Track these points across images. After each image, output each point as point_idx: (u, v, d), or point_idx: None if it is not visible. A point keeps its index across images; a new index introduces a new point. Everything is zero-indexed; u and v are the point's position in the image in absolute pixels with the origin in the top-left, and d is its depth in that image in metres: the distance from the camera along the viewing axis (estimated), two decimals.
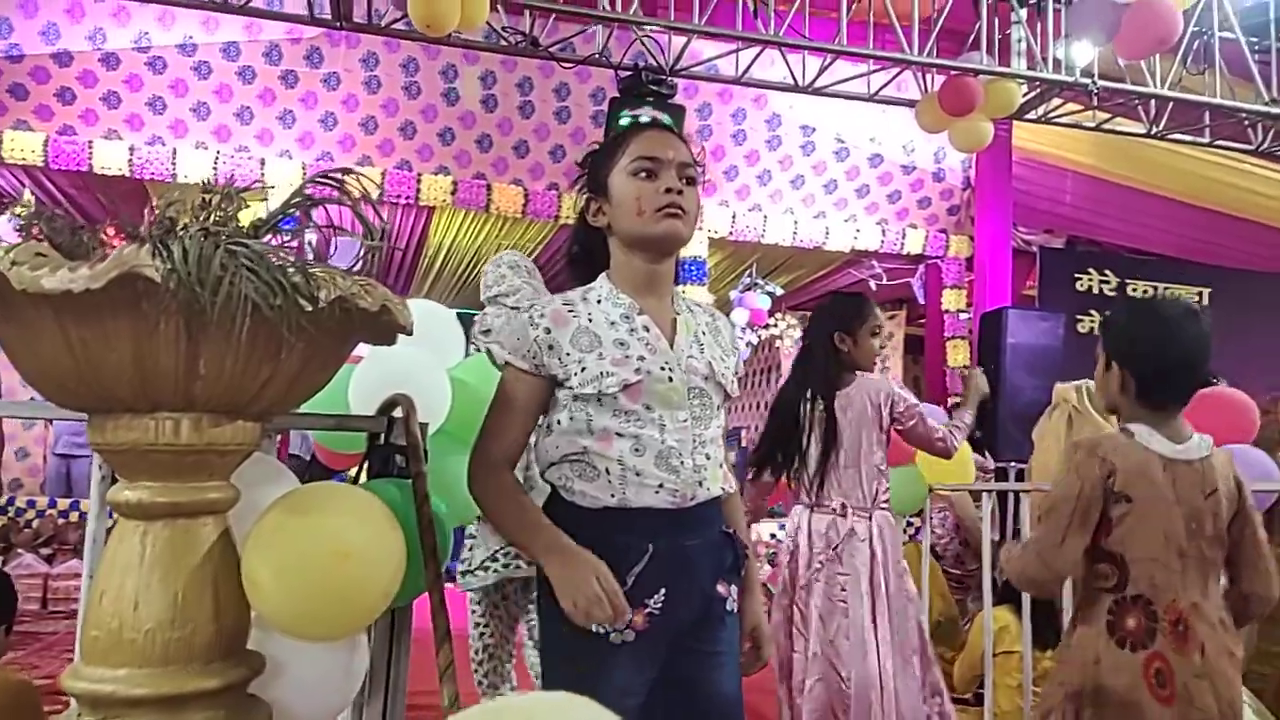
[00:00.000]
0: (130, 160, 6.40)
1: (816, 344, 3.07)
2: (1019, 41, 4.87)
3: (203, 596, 1.14)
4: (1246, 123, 5.23)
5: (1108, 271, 7.52)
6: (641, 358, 1.54)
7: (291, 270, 1.03)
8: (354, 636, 1.32)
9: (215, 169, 6.53)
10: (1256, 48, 4.89)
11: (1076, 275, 7.46)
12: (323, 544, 1.14)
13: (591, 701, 0.60)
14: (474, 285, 9.87)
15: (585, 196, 1.67)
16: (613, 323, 1.57)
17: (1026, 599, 3.27)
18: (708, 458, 1.57)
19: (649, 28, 4.63)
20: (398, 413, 1.54)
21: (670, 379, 1.54)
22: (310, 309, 1.03)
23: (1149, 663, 1.69)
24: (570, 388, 1.54)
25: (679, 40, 4.94)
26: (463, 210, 7.30)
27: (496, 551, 2.95)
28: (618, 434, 1.51)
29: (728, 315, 9.38)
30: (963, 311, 7.73)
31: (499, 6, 4.41)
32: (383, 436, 1.53)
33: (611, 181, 1.60)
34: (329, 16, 4.50)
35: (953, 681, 3.63)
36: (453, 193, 7.04)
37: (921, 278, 8.29)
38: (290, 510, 1.17)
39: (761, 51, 4.88)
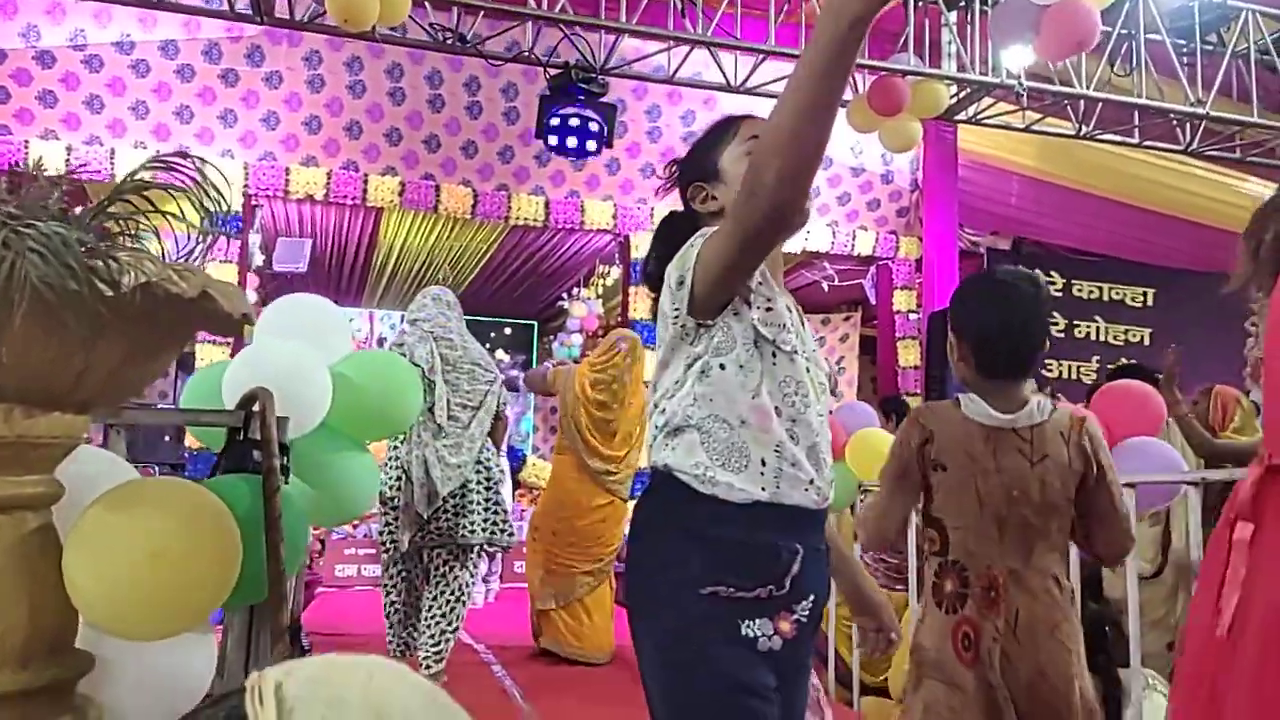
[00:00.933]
0: (68, 160, 6.29)
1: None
2: (949, 44, 4.91)
3: (17, 594, 1.10)
4: (1175, 122, 5.30)
5: (1053, 272, 7.59)
6: (797, 335, 1.38)
7: (91, 254, 0.99)
8: (195, 635, 1.28)
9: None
10: (1184, 49, 4.96)
11: None
12: (137, 542, 1.10)
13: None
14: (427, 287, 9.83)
15: (692, 185, 1.49)
16: (774, 291, 1.39)
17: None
18: (831, 458, 1.43)
19: (578, 26, 4.61)
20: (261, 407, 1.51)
21: (808, 369, 1.38)
22: (111, 294, 0.99)
23: (958, 626, 1.73)
24: (752, 309, 1.34)
25: (611, 39, 4.92)
26: (411, 211, 7.25)
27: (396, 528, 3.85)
28: (777, 410, 1.33)
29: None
30: (913, 312, 7.78)
31: (425, 3, 4.38)
32: (242, 432, 1.49)
33: (723, 164, 1.45)
34: (249, 11, 4.42)
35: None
36: (400, 193, 6.98)
37: (873, 279, 8.33)
38: (109, 507, 1.13)
39: (690, 51, 4.88)
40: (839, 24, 1.11)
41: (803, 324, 1.44)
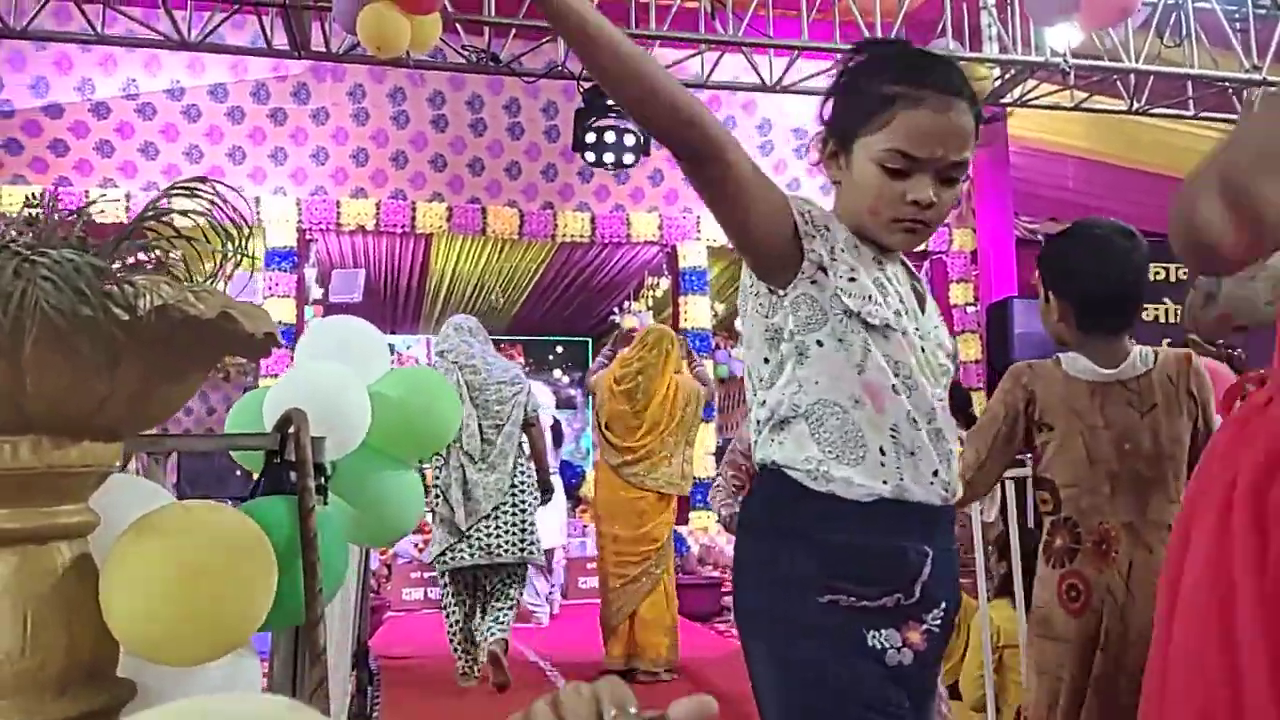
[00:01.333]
0: (127, 207, 6.48)
1: None
2: (989, 26, 4.81)
3: (54, 624, 1.10)
4: (1231, 90, 5.11)
5: None
6: (897, 312, 1.24)
7: (105, 279, 0.99)
8: (238, 659, 1.28)
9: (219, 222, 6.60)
10: (1235, 15, 4.78)
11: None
12: (171, 567, 1.10)
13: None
14: (481, 311, 9.92)
15: (825, 137, 1.33)
16: (861, 263, 1.26)
17: (1021, 594, 3.17)
18: (956, 444, 1.30)
19: None
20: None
21: (923, 349, 1.24)
22: (127, 318, 0.99)
23: (1064, 578, 1.73)
24: (832, 277, 1.22)
25: (642, 47, 4.92)
26: (460, 235, 7.33)
27: (447, 548, 4.18)
28: (893, 390, 1.20)
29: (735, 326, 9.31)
30: (970, 305, 7.62)
31: (457, 26, 4.43)
32: (279, 454, 1.49)
33: (855, 152, 1.26)
34: (287, 47, 4.51)
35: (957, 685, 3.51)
36: (448, 219, 7.07)
37: (927, 273, 8.18)
38: (143, 531, 1.13)
39: (722, 56, 4.85)
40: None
41: (919, 302, 1.31)
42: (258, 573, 1.18)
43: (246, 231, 1.33)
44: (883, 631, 1.18)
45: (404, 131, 6.82)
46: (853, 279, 1.22)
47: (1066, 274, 1.79)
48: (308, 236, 7.00)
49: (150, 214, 1.26)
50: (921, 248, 7.69)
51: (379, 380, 1.88)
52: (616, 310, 9.80)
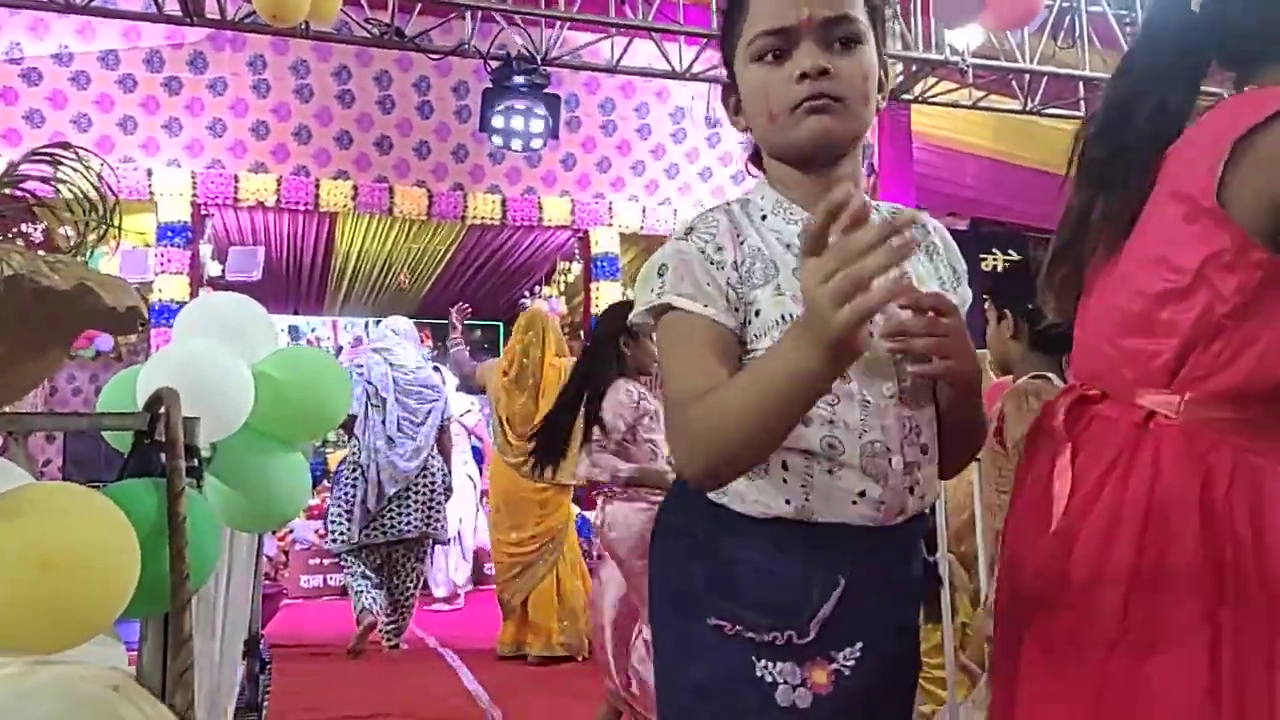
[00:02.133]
0: None
1: (603, 344, 3.19)
2: (892, 22, 4.91)
3: None
4: None
5: (1011, 251, 7.64)
6: None
7: None
8: (96, 648, 1.22)
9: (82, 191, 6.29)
10: (1125, 20, 4.99)
11: (981, 256, 7.57)
12: (22, 553, 1.04)
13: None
14: (390, 294, 9.73)
15: (724, 88, 1.20)
16: (788, 245, 1.08)
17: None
18: (923, 452, 1.09)
19: (518, 17, 4.56)
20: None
21: (870, 334, 0.90)
22: None
23: None
24: (743, 342, 1.05)
25: (552, 30, 4.88)
26: (366, 215, 7.16)
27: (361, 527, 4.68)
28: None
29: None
30: None
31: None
32: (149, 435, 1.43)
33: (737, 70, 1.13)
34: (179, 13, 4.33)
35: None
36: (354, 197, 6.90)
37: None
38: None
39: (631, 41, 4.85)
40: (794, 376, 0.87)
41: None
42: (118, 558, 1.13)
43: (111, 202, 1.27)
44: (776, 665, 1.03)
45: (308, 106, 6.61)
46: (758, 311, 1.06)
47: (1024, 294, 1.88)
48: (203, 211, 6.75)
49: (7, 180, 1.20)
50: None
51: (264, 359, 1.82)
52: (527, 295, 9.73)
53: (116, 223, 1.22)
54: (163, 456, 1.42)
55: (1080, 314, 1.17)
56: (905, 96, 5.28)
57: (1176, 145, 1.07)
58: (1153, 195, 1.07)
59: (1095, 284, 1.14)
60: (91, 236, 1.24)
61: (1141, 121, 1.10)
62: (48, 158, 1.20)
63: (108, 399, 1.71)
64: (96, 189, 1.21)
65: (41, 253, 1.14)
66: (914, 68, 5.15)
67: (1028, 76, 5.19)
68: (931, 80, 5.28)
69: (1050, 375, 1.90)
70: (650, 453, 3.05)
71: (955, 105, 5.47)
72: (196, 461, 1.47)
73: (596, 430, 3.07)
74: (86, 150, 1.26)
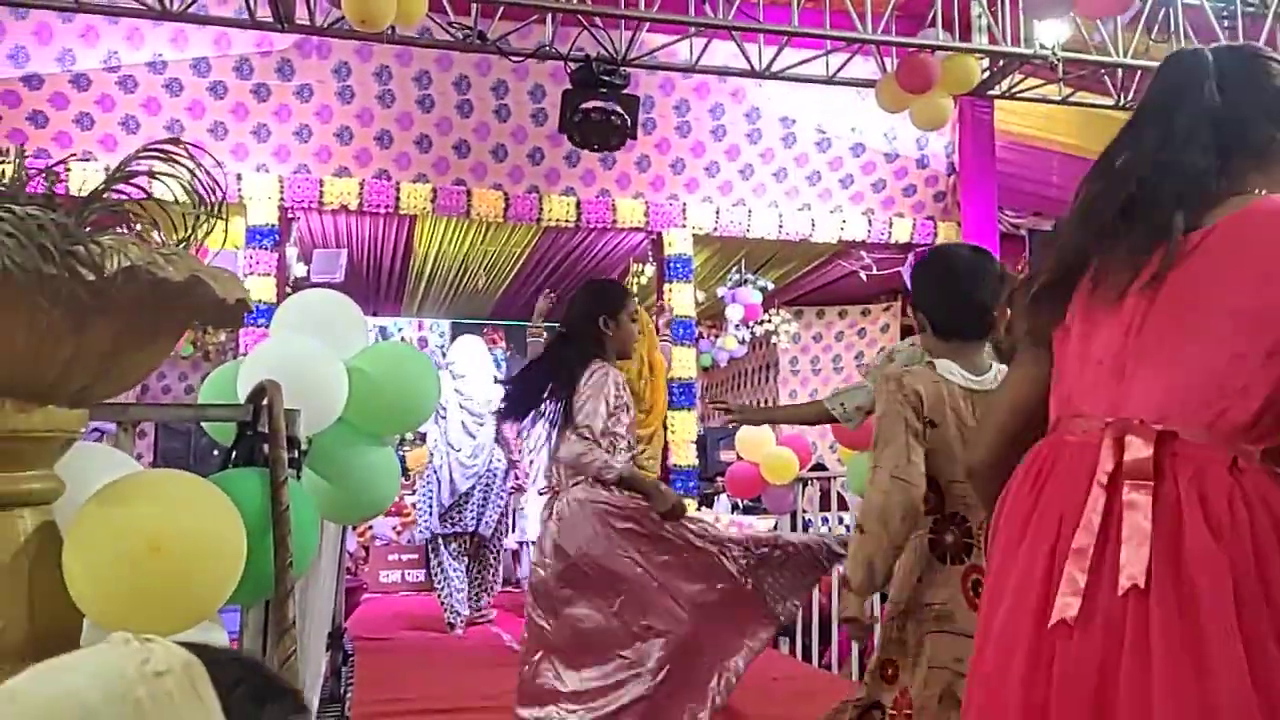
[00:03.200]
0: None
1: (581, 327, 2.93)
2: (979, 17, 4.80)
3: (16, 592, 1.08)
4: None
5: None
6: None
7: (71, 238, 0.97)
8: (200, 633, 1.25)
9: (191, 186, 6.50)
10: (1223, 13, 4.79)
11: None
12: (133, 536, 1.08)
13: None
14: (465, 295, 9.87)
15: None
16: None
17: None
18: None
19: (598, 19, 4.57)
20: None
21: None
22: (93, 279, 0.96)
23: (967, 574, 1.79)
24: None
25: (632, 31, 4.88)
26: (444, 217, 7.26)
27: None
28: None
29: (721, 313, 9.31)
30: None
31: (445, 4, 4.37)
32: (252, 426, 1.47)
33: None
34: (270, 19, 4.44)
35: None
36: (432, 200, 6.99)
37: (912, 267, 8.19)
38: (105, 501, 1.11)
39: (709, 43, 4.82)
40: None
41: None
42: (226, 544, 1.16)
43: (219, 196, 1.31)
44: None
45: (389, 111, 6.74)
46: None
47: (921, 289, 2.02)
48: (289, 215, 6.91)
49: (120, 175, 1.23)
50: (906, 239, 7.72)
51: (357, 355, 1.85)
52: None
53: (224, 215, 1.24)
54: (265, 447, 1.46)
55: (1084, 345, 1.26)
56: (993, 93, 5.16)
57: (1241, 220, 1.19)
58: (1227, 259, 1.18)
59: (1098, 319, 1.25)
60: (200, 231, 1.27)
61: (1161, 183, 1.24)
62: (159, 154, 1.23)
63: (209, 393, 1.77)
64: (206, 186, 1.24)
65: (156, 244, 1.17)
66: (1000, 62, 5.02)
67: (1120, 72, 5.03)
68: (1019, 76, 5.14)
69: (939, 362, 1.91)
70: (610, 445, 2.77)
71: (1045, 100, 5.32)
72: (296, 453, 1.50)
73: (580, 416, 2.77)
74: (196, 146, 1.29)
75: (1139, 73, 5.14)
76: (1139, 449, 1.15)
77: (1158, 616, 1.06)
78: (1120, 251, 1.25)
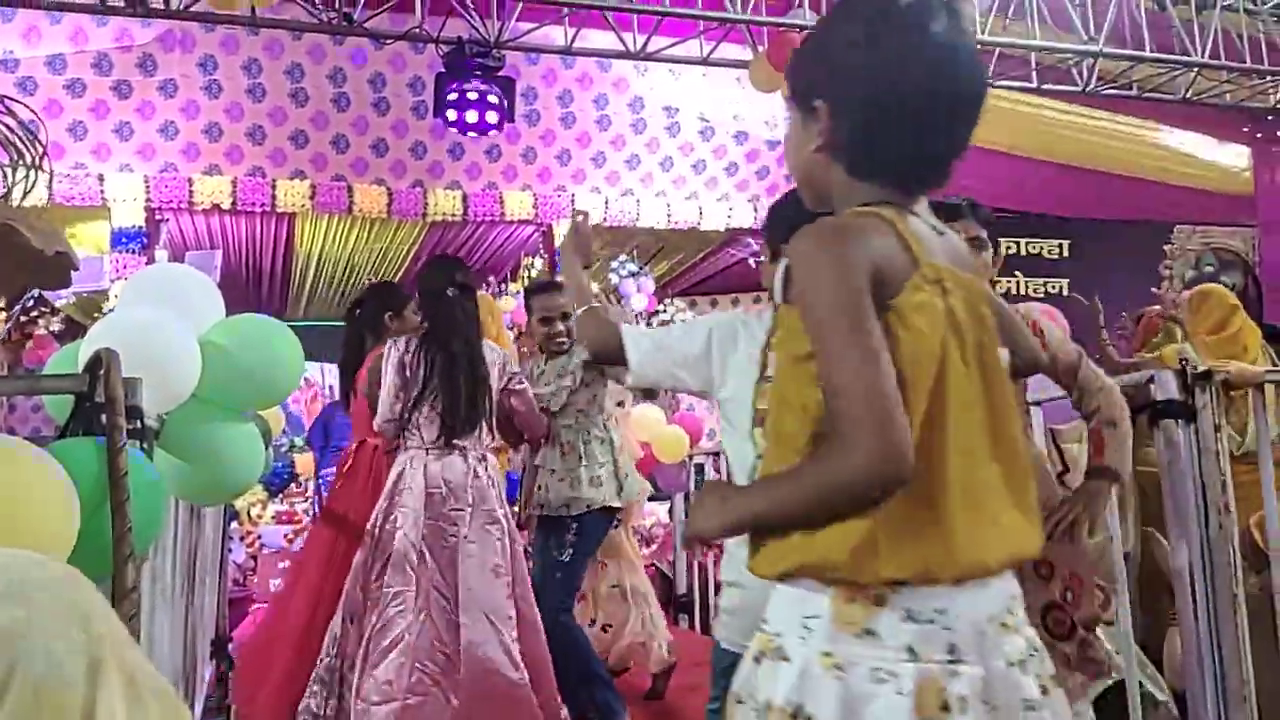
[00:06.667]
0: None
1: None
2: None
3: None
4: (1071, 63, 5.42)
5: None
6: None
7: None
8: None
9: (50, 190, 6.18)
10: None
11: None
12: None
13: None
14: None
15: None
16: None
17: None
18: None
19: (470, 1, 4.53)
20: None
21: None
22: None
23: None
24: None
25: (504, 13, 4.85)
26: (325, 215, 7.08)
27: None
28: None
29: (617, 303, 9.32)
30: None
31: None
32: (89, 398, 1.39)
33: None
34: (121, 4, 4.25)
35: None
36: (311, 197, 6.81)
37: None
38: None
39: (578, 31, 4.83)
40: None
41: None
42: (57, 509, 1.10)
43: (40, 150, 1.24)
44: None
45: (260, 105, 6.52)
46: None
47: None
48: (158, 216, 6.64)
49: None
50: None
51: (210, 328, 1.78)
52: (494, 292, 9.68)
53: (42, 168, 1.18)
54: (104, 418, 1.39)
55: None
56: None
57: None
58: None
59: None
60: (17, 192, 1.21)
61: None
62: None
63: (52, 369, 1.67)
64: (22, 136, 1.17)
65: None
66: None
67: (978, 48, 5.22)
68: None
69: None
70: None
71: None
72: (139, 424, 1.44)
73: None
74: (12, 99, 1.22)
75: (995, 53, 5.37)
76: None
77: None
78: None
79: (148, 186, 6.43)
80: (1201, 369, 2.17)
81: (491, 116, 5.10)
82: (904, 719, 0.88)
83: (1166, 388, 2.18)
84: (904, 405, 0.88)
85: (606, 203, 7.62)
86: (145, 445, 1.49)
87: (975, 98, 1.06)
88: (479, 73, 4.75)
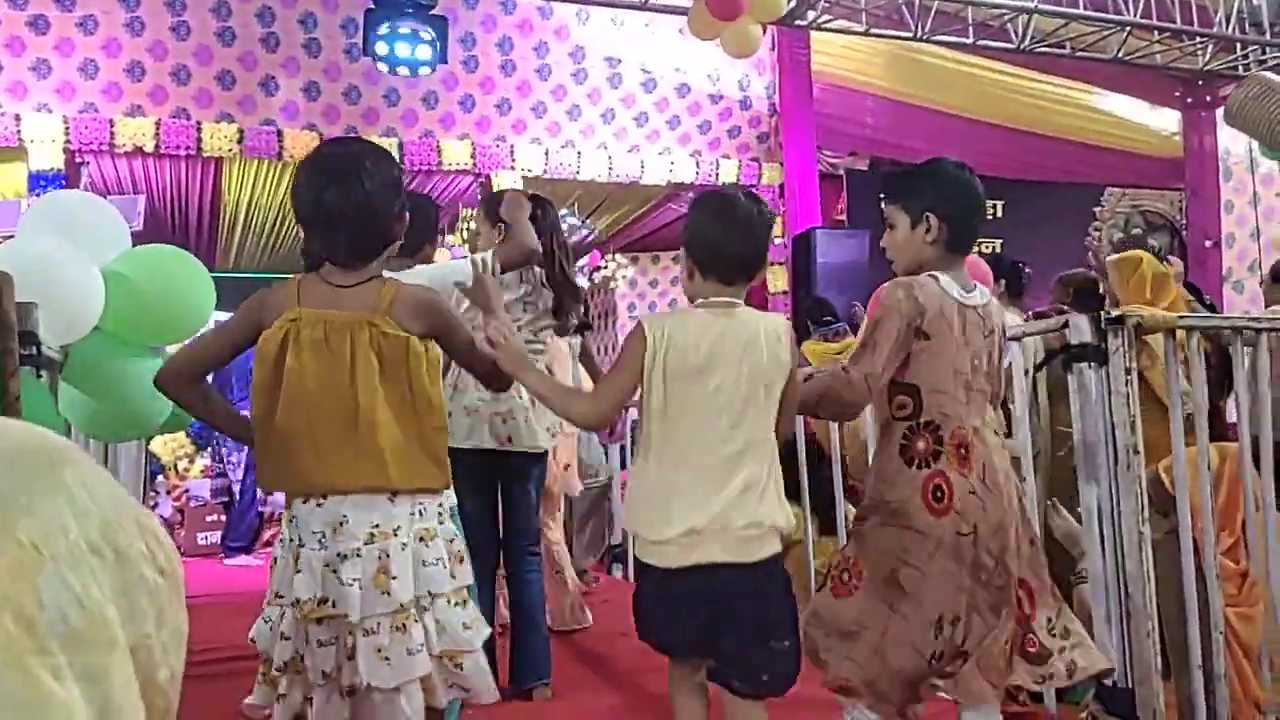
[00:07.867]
0: None
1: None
2: None
3: None
4: (1006, 20, 5.47)
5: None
6: None
7: None
8: None
9: None
10: None
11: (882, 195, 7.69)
12: None
13: None
14: (286, 246, 9.41)
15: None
16: None
17: (807, 492, 3.31)
18: None
19: None
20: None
21: None
22: None
23: (930, 479, 1.90)
24: None
25: None
26: (254, 160, 6.87)
27: None
28: None
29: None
30: (779, 238, 7.84)
31: None
32: None
33: None
34: None
35: None
36: (239, 141, 6.59)
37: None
38: None
39: None
40: None
41: None
42: None
43: None
44: None
45: (185, 44, 6.28)
46: None
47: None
48: (78, 159, 6.37)
49: None
50: (733, 180, 7.85)
51: (115, 259, 1.72)
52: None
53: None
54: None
55: None
56: (800, 23, 5.29)
57: None
58: None
59: None
60: None
61: None
62: None
63: None
64: None
65: None
66: None
67: (918, 5, 5.26)
68: (825, 6, 5.29)
69: (942, 277, 1.97)
70: None
71: (848, 32, 5.50)
72: (35, 350, 1.38)
73: None
74: None
75: (932, 8, 5.39)
76: None
77: None
78: None
79: (67, 127, 6.16)
80: (1115, 314, 2.22)
81: (424, 52, 4.95)
82: None
83: (1080, 332, 2.24)
84: None
85: (547, 154, 7.52)
86: (46, 375, 1.44)
87: None
88: (410, 9, 4.62)
